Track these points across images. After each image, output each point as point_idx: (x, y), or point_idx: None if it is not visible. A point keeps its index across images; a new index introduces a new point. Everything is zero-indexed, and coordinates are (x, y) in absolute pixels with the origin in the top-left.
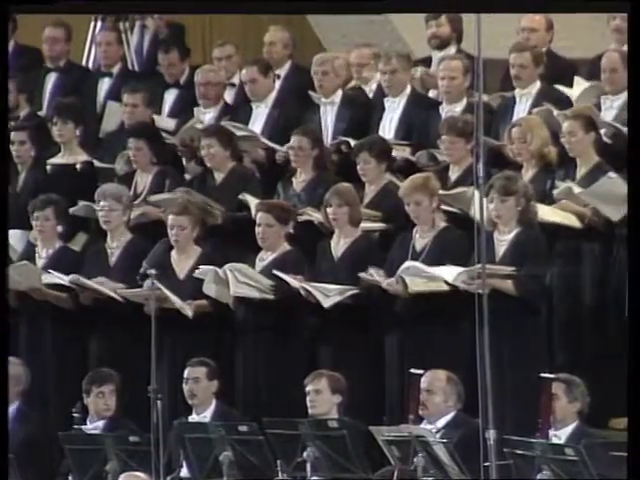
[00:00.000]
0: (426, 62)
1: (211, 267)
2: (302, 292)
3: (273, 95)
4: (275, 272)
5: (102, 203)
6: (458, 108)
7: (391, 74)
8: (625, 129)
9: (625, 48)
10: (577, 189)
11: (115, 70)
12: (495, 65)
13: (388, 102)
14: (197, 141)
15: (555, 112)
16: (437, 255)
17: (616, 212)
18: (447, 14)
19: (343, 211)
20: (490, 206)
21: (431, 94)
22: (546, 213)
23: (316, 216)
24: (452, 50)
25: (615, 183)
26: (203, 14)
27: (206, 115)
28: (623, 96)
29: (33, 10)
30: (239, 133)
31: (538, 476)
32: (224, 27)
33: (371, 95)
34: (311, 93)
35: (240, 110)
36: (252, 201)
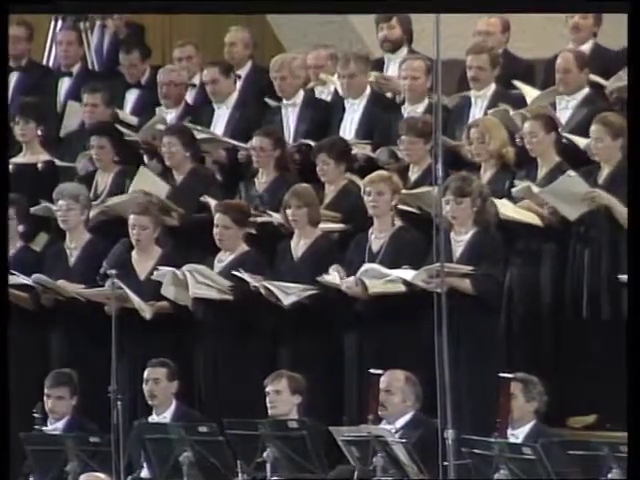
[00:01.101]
0: (379, 64)
1: (169, 269)
2: (262, 291)
3: (234, 96)
4: (235, 272)
5: (60, 203)
6: (420, 108)
7: (349, 78)
8: (579, 139)
9: (581, 48)
10: (536, 188)
11: (75, 70)
12: (453, 66)
13: (348, 103)
14: (159, 139)
15: (511, 112)
16: (393, 255)
17: (574, 211)
18: (398, 16)
19: (302, 212)
20: (446, 207)
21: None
22: (508, 210)
23: (276, 216)
24: (404, 52)
25: (574, 181)
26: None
27: (168, 115)
28: (579, 96)
29: (33, 10)
30: (201, 136)
31: (496, 475)
32: (184, 27)
33: (331, 96)
34: (270, 99)
35: (202, 111)
36: (212, 202)
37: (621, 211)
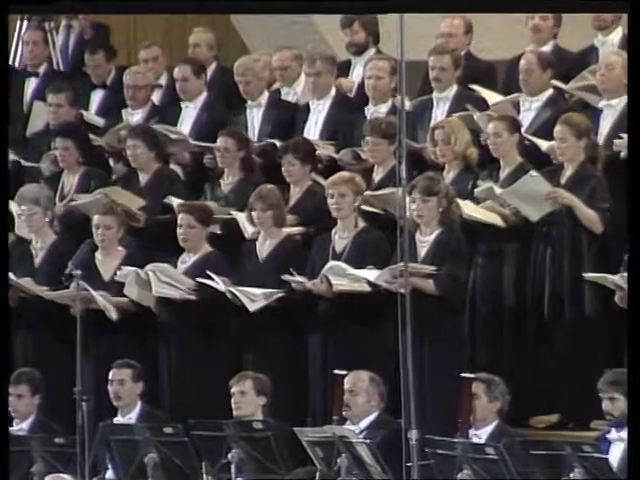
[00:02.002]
0: (346, 65)
1: (132, 268)
2: (229, 296)
3: (203, 96)
4: (200, 280)
5: (22, 207)
6: (383, 109)
7: (316, 76)
8: (541, 141)
9: (543, 49)
10: (498, 190)
11: (41, 70)
12: (418, 67)
13: (313, 104)
14: (124, 143)
15: (476, 115)
16: (357, 256)
17: (537, 212)
18: (361, 19)
19: (267, 215)
20: (412, 206)
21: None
22: (470, 210)
23: (240, 215)
24: (371, 53)
25: (536, 181)
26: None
27: (134, 116)
28: (542, 97)
29: (33, 10)
30: (171, 136)
31: (459, 475)
32: (148, 28)
33: (297, 97)
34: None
35: (168, 111)
36: (176, 203)
37: (583, 211)
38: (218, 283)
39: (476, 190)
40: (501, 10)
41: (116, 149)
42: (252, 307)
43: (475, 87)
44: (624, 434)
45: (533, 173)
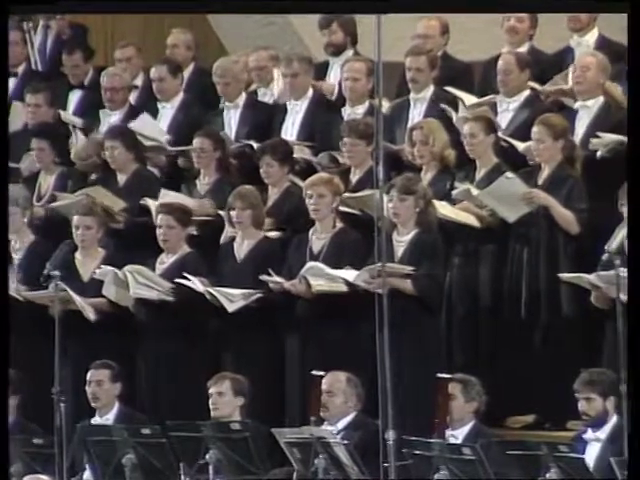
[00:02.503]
0: (324, 66)
1: (110, 268)
2: (207, 297)
3: (180, 96)
4: (179, 281)
5: None
6: (360, 110)
7: (293, 77)
8: (518, 143)
9: (520, 50)
10: (475, 191)
11: (20, 70)
12: (395, 68)
13: (290, 105)
14: (96, 155)
15: (455, 116)
16: (334, 257)
17: (513, 213)
18: (339, 20)
19: (246, 214)
20: (389, 205)
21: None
22: (447, 211)
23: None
24: (349, 54)
25: (512, 183)
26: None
27: (112, 117)
28: (520, 98)
29: (33, 10)
30: (147, 143)
31: (436, 476)
32: (126, 29)
33: (273, 98)
34: (213, 99)
35: (145, 111)
36: (153, 204)
37: (559, 211)
38: (195, 284)
39: (453, 192)
40: (500, 10)
41: (91, 162)
42: (231, 307)
43: (451, 89)
44: (600, 434)
45: (509, 175)
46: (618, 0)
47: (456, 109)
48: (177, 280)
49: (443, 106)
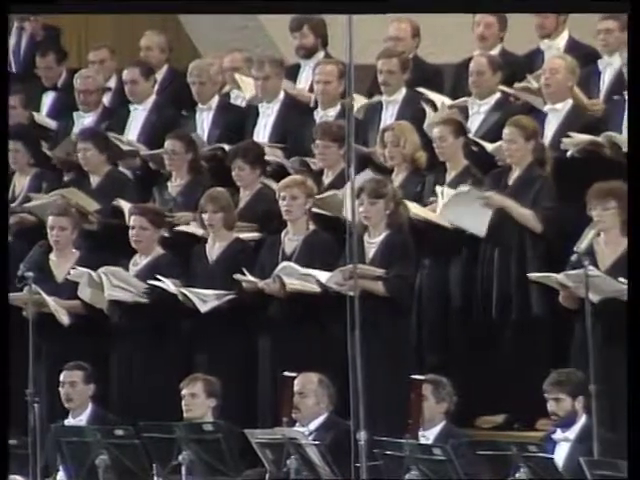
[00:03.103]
0: (295, 69)
1: (85, 270)
2: (180, 297)
3: (152, 99)
4: (152, 281)
5: None
6: (332, 112)
7: (264, 80)
8: (487, 144)
9: (491, 52)
10: (439, 211)
11: None
12: (366, 71)
13: (262, 107)
14: (73, 154)
15: (428, 119)
16: (307, 258)
17: (480, 225)
18: (310, 23)
19: (218, 217)
20: (360, 208)
21: None
22: (419, 210)
23: (193, 224)
24: (320, 56)
25: (469, 194)
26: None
27: (86, 119)
28: (491, 100)
29: (33, 10)
30: (124, 148)
31: (407, 476)
32: (99, 31)
33: (246, 100)
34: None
35: (118, 113)
36: (125, 206)
37: (518, 211)
38: (168, 285)
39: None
40: (499, 10)
41: (67, 161)
42: (203, 308)
43: (424, 90)
44: (569, 434)
45: (463, 188)
46: (618, 0)
47: (435, 109)
48: (151, 282)
49: (424, 105)
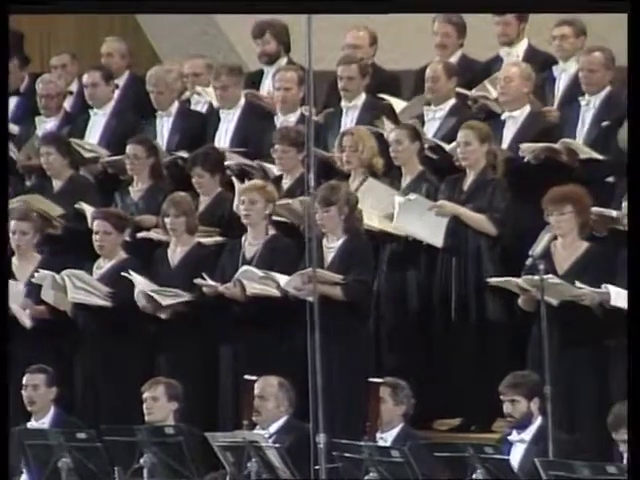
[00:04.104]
0: (259, 74)
1: (49, 272)
2: (139, 303)
3: (111, 104)
4: (120, 281)
5: None
6: (292, 118)
7: (222, 90)
8: (444, 144)
9: (450, 59)
10: (394, 222)
11: None
12: (326, 77)
13: (223, 113)
14: (35, 157)
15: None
16: (267, 263)
17: (437, 235)
18: (272, 29)
19: (180, 221)
20: (316, 216)
21: None
22: (373, 220)
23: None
24: (283, 62)
25: (417, 202)
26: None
27: (48, 124)
28: (446, 106)
29: (33, 10)
30: (86, 155)
31: (365, 478)
32: (61, 36)
33: (207, 106)
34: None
35: (79, 118)
36: (88, 210)
37: (470, 217)
38: (139, 284)
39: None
40: (499, 10)
41: (28, 165)
42: (165, 301)
43: (385, 96)
44: (525, 435)
45: (411, 196)
46: (618, 0)
47: (388, 117)
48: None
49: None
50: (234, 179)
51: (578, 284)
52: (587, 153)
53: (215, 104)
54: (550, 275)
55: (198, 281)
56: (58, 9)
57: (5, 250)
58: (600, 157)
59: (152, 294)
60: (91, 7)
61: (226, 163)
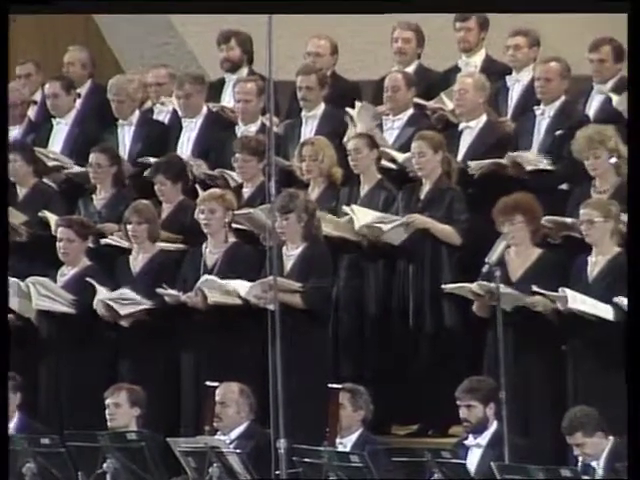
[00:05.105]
0: (220, 83)
1: (14, 280)
2: (99, 310)
3: (73, 113)
4: (83, 288)
5: None
6: (253, 128)
7: (185, 99)
8: (400, 154)
9: (408, 69)
10: (357, 223)
11: None
12: (287, 87)
13: (185, 122)
14: None
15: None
16: (228, 270)
17: (396, 237)
18: (238, 37)
19: (142, 228)
20: (276, 224)
21: None
22: (330, 229)
23: (117, 235)
24: (244, 72)
25: (388, 217)
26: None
27: (12, 132)
28: (404, 116)
29: (33, 10)
30: (50, 163)
31: None
32: (25, 45)
33: (169, 115)
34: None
35: (42, 127)
36: (52, 217)
37: (439, 229)
38: (101, 293)
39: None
40: (500, 10)
41: None
42: (123, 310)
43: (348, 109)
44: (481, 440)
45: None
46: (618, 0)
47: (347, 127)
48: (79, 290)
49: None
50: (197, 187)
51: (535, 288)
52: (534, 164)
53: (179, 113)
54: (501, 285)
55: (160, 290)
56: (58, 9)
57: (6, 249)
58: (547, 167)
59: (110, 303)
60: (91, 7)
61: (188, 171)
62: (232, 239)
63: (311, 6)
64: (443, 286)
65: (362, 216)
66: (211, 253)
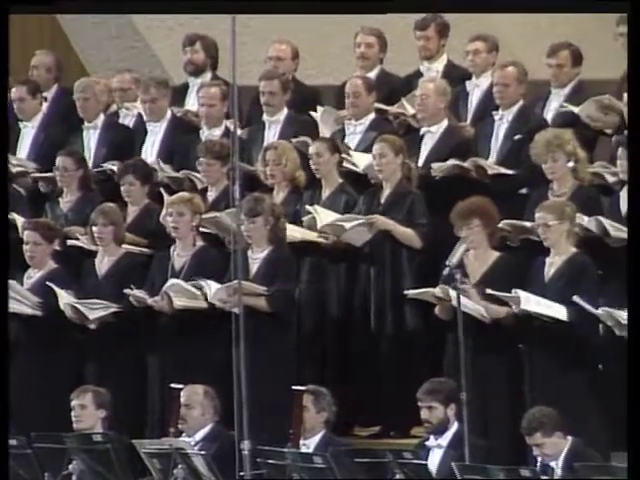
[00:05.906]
0: (184, 88)
1: None
2: (67, 312)
3: (40, 117)
4: (49, 291)
5: None
6: (217, 132)
7: (151, 102)
8: (358, 160)
9: (368, 75)
10: (320, 223)
11: None
12: (251, 92)
13: (150, 126)
14: None
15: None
16: (195, 273)
17: (359, 238)
18: (203, 41)
19: (108, 230)
20: (242, 227)
21: None
22: (295, 233)
23: (82, 239)
24: (208, 76)
25: (351, 219)
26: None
27: None
28: (366, 121)
29: (33, 10)
30: (14, 170)
31: None
32: None
33: (134, 119)
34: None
35: (10, 130)
36: (19, 220)
37: (400, 231)
38: (62, 296)
39: (304, 220)
40: (500, 10)
41: None
42: (92, 315)
43: (313, 113)
44: (442, 441)
45: (349, 217)
46: (618, 0)
47: (309, 132)
48: (45, 293)
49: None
50: (162, 191)
51: (489, 291)
52: (496, 169)
53: (144, 117)
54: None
55: (127, 291)
56: (58, 9)
57: (6, 249)
58: (509, 171)
59: (78, 306)
60: (91, 7)
61: (154, 175)
62: (199, 242)
63: (275, 7)
64: (406, 292)
65: (325, 216)
66: (179, 256)
